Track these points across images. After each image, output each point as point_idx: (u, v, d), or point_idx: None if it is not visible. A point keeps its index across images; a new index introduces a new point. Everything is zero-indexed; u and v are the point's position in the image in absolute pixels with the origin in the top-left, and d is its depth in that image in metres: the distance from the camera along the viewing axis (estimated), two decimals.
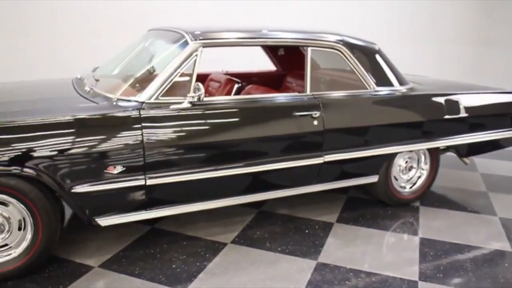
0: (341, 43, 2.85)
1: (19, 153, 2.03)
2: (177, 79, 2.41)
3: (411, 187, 3.30)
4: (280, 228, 2.88)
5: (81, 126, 2.15)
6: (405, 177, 3.27)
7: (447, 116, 3.12)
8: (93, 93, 2.46)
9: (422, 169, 3.32)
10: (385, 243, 2.73)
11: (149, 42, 2.85)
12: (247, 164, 2.49)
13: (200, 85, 2.38)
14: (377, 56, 3.01)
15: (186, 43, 2.45)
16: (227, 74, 3.65)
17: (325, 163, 2.75)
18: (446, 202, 3.37)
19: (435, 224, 3.00)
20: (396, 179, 3.23)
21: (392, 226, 2.95)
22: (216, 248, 2.60)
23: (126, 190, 2.26)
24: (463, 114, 3.19)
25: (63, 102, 2.39)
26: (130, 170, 2.24)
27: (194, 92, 2.37)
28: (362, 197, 3.40)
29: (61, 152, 2.09)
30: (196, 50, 2.45)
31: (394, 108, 2.98)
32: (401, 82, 3.11)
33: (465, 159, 3.51)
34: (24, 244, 2.18)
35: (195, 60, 2.44)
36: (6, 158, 2.00)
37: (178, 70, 2.40)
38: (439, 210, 3.23)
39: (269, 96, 2.66)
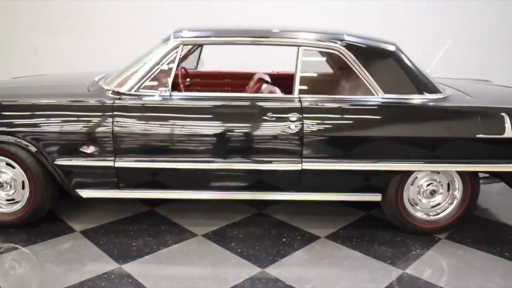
0: (341, 43, 2.60)
1: (21, 128, 2.53)
2: (161, 74, 2.61)
3: (433, 215, 2.79)
4: (260, 231, 2.82)
5: (64, 109, 2.55)
6: (426, 201, 2.78)
7: (482, 136, 2.54)
8: (95, 84, 2.84)
9: (453, 196, 2.77)
10: (356, 269, 2.41)
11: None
12: (207, 161, 2.54)
13: (169, 81, 2.52)
14: (391, 59, 2.65)
15: (169, 40, 2.63)
16: (278, 74, 3.67)
17: (305, 170, 2.58)
18: (484, 240, 2.73)
19: (441, 263, 2.50)
20: (416, 203, 2.78)
21: (383, 254, 2.57)
22: (183, 237, 2.71)
23: (97, 168, 2.57)
24: (508, 134, 2.55)
25: (66, 89, 2.84)
26: (101, 151, 2.54)
27: (166, 87, 2.53)
28: (381, 218, 3.02)
29: (46, 128, 2.52)
30: (176, 48, 2.60)
31: (404, 119, 2.58)
32: (427, 90, 2.66)
33: None
34: (23, 201, 2.69)
35: (175, 57, 2.60)
36: (11, 130, 2.51)
37: (158, 66, 2.60)
38: (464, 247, 2.66)
39: (244, 95, 2.64)
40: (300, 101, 2.58)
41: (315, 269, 2.40)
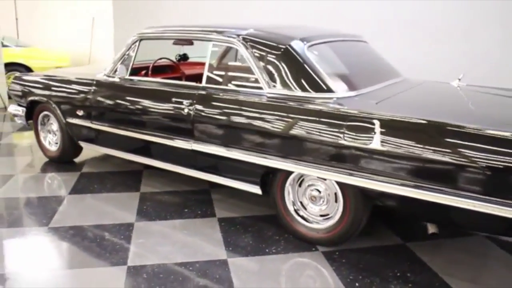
0: (238, 38, 2.78)
1: (49, 92, 3.80)
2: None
3: (314, 224, 2.61)
4: (181, 201, 3.24)
5: (70, 83, 3.68)
6: (313, 208, 2.63)
7: (345, 143, 2.28)
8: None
9: (337, 209, 2.53)
10: (196, 245, 2.62)
11: None
12: (128, 129, 3.24)
13: (123, 67, 3.30)
14: (282, 55, 2.63)
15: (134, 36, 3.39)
16: None
17: (195, 151, 2.90)
18: (357, 268, 2.39)
19: (265, 267, 2.42)
20: (304, 207, 2.67)
21: (238, 243, 2.63)
22: (129, 191, 3.43)
23: (84, 127, 3.60)
24: (376, 145, 2.20)
25: (89, 72, 3.96)
26: (86, 115, 3.56)
27: (121, 71, 3.33)
28: None
29: (60, 95, 3.71)
30: (135, 42, 3.34)
31: (278, 115, 2.54)
32: (318, 88, 2.53)
33: (429, 226, 2.30)
34: (59, 143, 3.99)
35: (133, 50, 3.35)
36: (48, 94, 3.83)
37: (124, 55, 3.41)
38: (322, 266, 2.41)
39: (167, 82, 3.14)
40: (201, 89, 2.90)
41: (166, 233, 2.75)
